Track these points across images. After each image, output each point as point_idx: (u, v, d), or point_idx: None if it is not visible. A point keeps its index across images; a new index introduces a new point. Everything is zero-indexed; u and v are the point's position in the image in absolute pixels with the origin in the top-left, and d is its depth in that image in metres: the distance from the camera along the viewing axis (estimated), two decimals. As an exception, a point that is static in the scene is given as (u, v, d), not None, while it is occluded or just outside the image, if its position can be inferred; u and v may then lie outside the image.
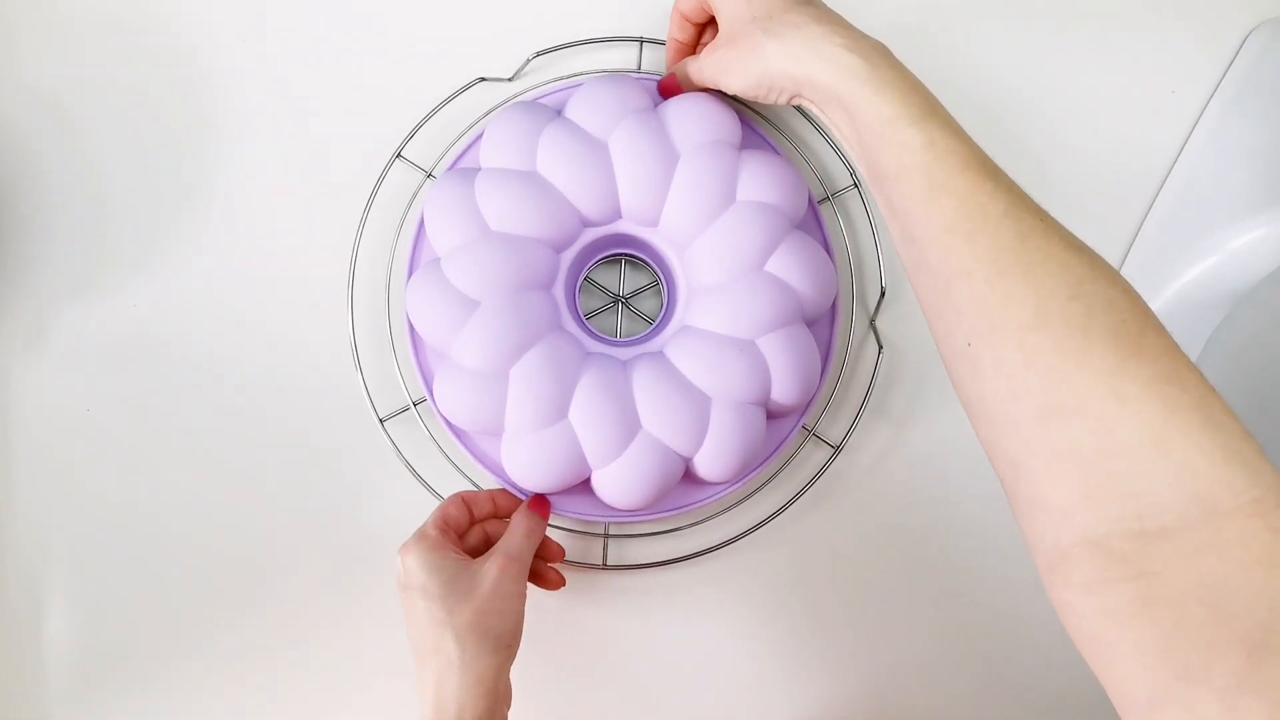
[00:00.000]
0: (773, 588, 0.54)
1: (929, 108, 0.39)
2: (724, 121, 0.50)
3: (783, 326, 0.49)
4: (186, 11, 0.56)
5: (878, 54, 0.41)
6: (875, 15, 0.58)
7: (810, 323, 0.51)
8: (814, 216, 0.53)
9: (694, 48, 0.52)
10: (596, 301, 0.55)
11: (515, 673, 0.53)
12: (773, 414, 0.50)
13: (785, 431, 0.52)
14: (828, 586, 0.55)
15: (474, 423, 0.48)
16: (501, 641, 0.43)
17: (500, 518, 0.49)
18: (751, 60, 0.44)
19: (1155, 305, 0.54)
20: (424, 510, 0.53)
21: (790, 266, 0.49)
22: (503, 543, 0.45)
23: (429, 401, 0.51)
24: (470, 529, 0.48)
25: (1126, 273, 0.56)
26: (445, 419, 0.50)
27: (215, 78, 0.56)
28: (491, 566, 0.44)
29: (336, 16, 0.57)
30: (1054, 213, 0.57)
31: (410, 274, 0.51)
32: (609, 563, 0.53)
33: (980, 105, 0.57)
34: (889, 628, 0.54)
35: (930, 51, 0.58)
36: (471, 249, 0.48)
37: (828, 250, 0.53)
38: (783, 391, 0.49)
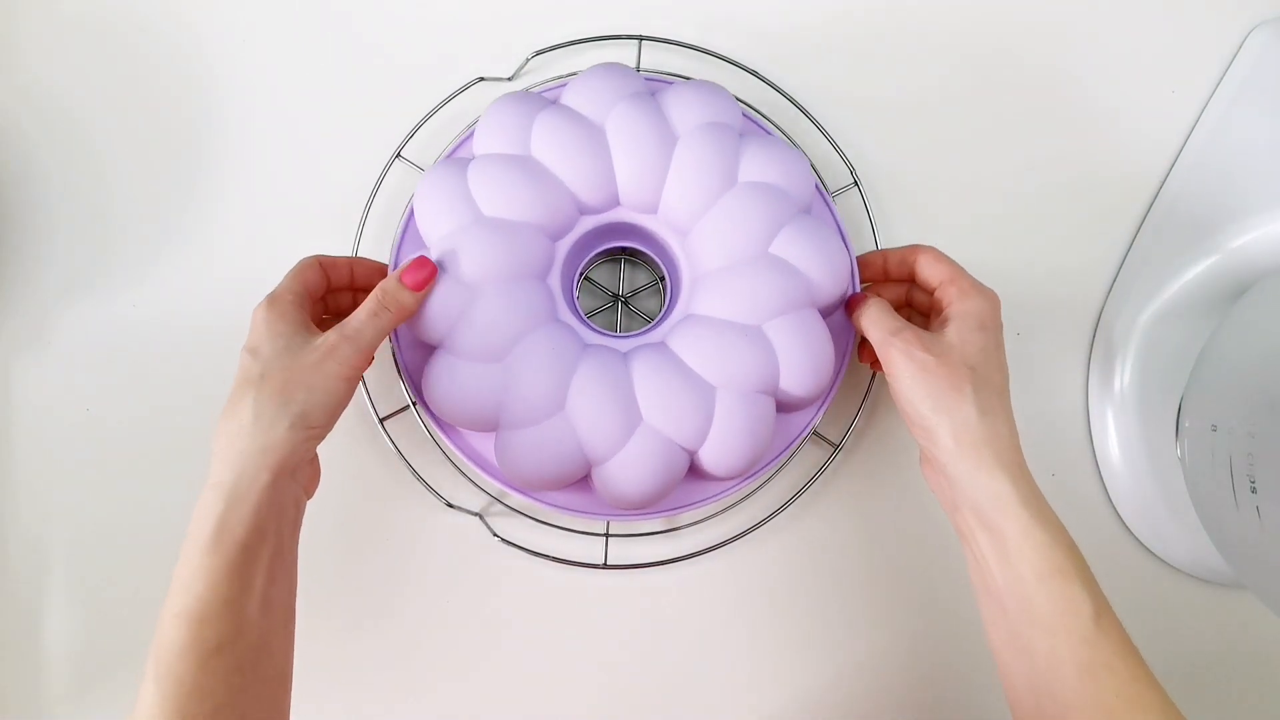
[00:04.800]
0: (773, 586, 0.54)
1: (1087, 567, 0.40)
2: (724, 105, 0.49)
3: (791, 311, 0.46)
4: (186, 11, 0.56)
5: (1036, 488, 0.41)
6: (873, 17, 0.58)
7: (827, 313, 0.49)
8: (826, 205, 0.52)
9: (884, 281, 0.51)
10: (596, 301, 0.55)
11: (516, 670, 0.53)
12: (784, 406, 0.49)
13: (799, 427, 0.51)
14: (828, 585, 0.55)
15: (468, 418, 0.46)
16: (304, 420, 0.40)
17: (357, 289, 0.48)
18: (941, 402, 0.42)
19: (1155, 305, 0.55)
20: (423, 509, 0.53)
21: (797, 248, 0.47)
22: (347, 319, 0.43)
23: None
24: (335, 293, 0.47)
25: (1127, 273, 0.56)
26: (435, 416, 0.49)
27: (216, 78, 0.56)
28: (323, 341, 0.42)
29: (336, 17, 0.57)
30: (1055, 213, 0.57)
31: (394, 265, 0.50)
32: (609, 563, 0.53)
33: (981, 106, 0.57)
34: (889, 626, 0.54)
35: (931, 54, 0.58)
36: (462, 234, 0.46)
37: (843, 237, 0.51)
38: (792, 379, 0.46)
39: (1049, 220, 0.57)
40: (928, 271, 0.47)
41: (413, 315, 0.45)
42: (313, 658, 0.53)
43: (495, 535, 0.53)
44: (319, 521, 0.54)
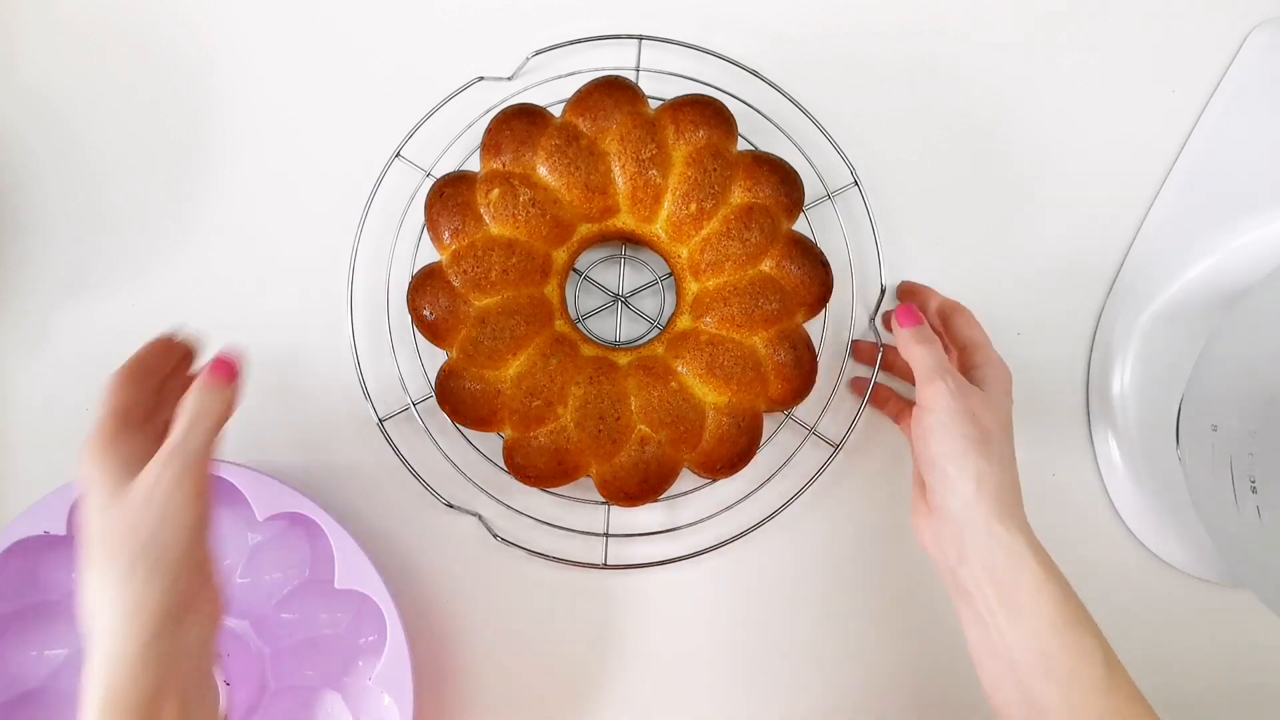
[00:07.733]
0: (773, 586, 0.54)
1: (1091, 616, 0.41)
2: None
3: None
4: (184, 12, 0.56)
5: (1040, 542, 0.42)
6: (875, 20, 0.58)
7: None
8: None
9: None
10: (596, 300, 0.55)
11: (516, 672, 0.53)
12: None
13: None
14: (828, 585, 0.55)
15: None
16: (163, 559, 0.36)
17: (178, 375, 0.43)
18: (971, 448, 0.42)
19: (1155, 305, 0.55)
20: (423, 509, 0.53)
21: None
22: (165, 442, 0.38)
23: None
24: (164, 398, 0.41)
25: (1127, 274, 0.56)
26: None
27: (214, 78, 0.56)
28: (151, 464, 0.37)
29: (335, 17, 0.57)
30: (1055, 213, 0.57)
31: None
32: (609, 563, 0.53)
33: (981, 105, 0.57)
34: (889, 626, 0.54)
35: (931, 52, 0.58)
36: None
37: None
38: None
39: (1049, 220, 0.57)
40: (965, 331, 0.49)
41: (233, 410, 0.40)
42: (313, 658, 0.53)
43: (495, 535, 0.53)
44: (319, 521, 0.54)
